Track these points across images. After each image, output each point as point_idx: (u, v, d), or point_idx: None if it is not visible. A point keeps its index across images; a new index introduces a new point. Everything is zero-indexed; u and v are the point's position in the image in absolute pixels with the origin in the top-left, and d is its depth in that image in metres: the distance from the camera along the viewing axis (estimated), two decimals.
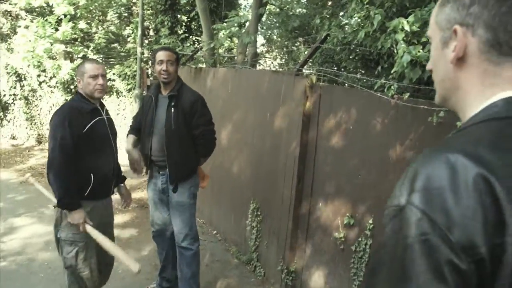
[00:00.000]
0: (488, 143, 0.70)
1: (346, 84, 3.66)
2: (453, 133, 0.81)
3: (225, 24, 5.23)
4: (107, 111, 3.18)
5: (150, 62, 8.40)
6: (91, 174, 2.94)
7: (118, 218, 5.44)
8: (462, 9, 0.81)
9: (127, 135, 3.63)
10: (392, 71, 2.84)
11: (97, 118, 2.98)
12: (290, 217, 3.86)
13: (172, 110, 3.34)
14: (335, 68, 4.33)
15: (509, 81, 0.79)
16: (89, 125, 2.91)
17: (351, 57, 3.94)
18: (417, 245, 0.65)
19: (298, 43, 5.70)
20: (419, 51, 2.66)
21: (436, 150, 0.72)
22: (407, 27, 2.78)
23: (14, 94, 10.33)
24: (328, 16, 4.14)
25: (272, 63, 8.39)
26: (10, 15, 10.34)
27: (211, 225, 5.51)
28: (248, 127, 4.62)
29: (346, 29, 3.75)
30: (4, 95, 10.35)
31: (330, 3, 4.89)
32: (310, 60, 4.28)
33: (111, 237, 3.19)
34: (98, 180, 2.97)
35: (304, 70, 4.07)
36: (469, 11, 0.80)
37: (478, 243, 0.63)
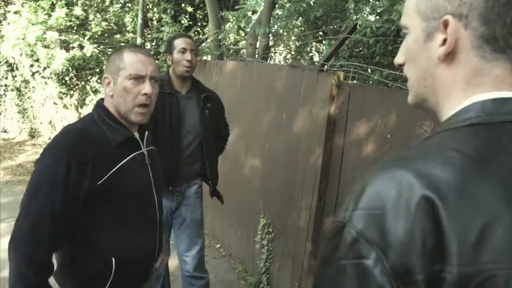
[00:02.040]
0: (445, 157, 0.65)
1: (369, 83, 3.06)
2: (417, 142, 0.75)
3: (235, 12, 4.63)
4: (149, 138, 1.87)
5: (162, 53, 7.74)
6: (112, 259, 1.66)
7: None
8: None
9: None
10: None
11: (131, 156, 1.69)
12: (308, 237, 3.29)
13: (207, 113, 2.94)
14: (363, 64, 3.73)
15: (496, 81, 0.72)
16: (114, 169, 1.61)
17: (387, 50, 3.34)
18: (349, 268, 0.64)
19: (320, 36, 5.10)
20: None
21: (387, 164, 0.68)
22: None
23: (5, 85, 9.74)
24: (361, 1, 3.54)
25: (285, 56, 7.78)
26: (2, 0, 9.71)
27: (214, 237, 4.92)
28: (259, 131, 4.02)
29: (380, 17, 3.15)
30: None
31: None
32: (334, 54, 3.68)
33: None
34: (125, 267, 1.68)
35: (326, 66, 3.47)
36: (462, 0, 0.71)
37: (414, 269, 0.61)
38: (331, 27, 4.43)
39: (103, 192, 1.58)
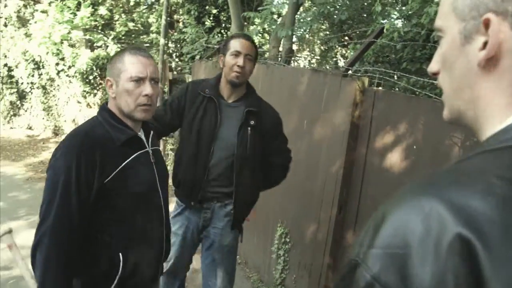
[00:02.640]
0: (486, 186, 0.52)
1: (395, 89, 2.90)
2: (451, 165, 0.61)
3: (257, 13, 4.52)
4: (154, 137, 1.91)
5: (185, 54, 7.66)
6: (120, 255, 1.70)
7: None
8: None
9: None
10: None
11: (136, 155, 1.73)
12: (326, 250, 3.14)
13: (249, 131, 2.48)
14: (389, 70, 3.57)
15: None
16: (120, 168, 1.66)
17: (415, 56, 3.17)
18: None
19: (345, 40, 4.95)
20: None
21: (413, 190, 0.56)
22: None
23: (31, 83, 9.89)
24: (389, 3, 3.38)
25: (309, 61, 7.63)
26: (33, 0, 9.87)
27: None
28: None
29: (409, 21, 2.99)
30: (22, 83, 9.92)
31: None
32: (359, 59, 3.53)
33: None
34: (132, 264, 1.73)
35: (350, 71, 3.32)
36: None
37: None
38: (357, 32, 4.27)
39: (109, 190, 1.64)
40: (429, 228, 0.51)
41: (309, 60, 7.53)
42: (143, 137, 1.81)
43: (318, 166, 3.29)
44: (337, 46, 5.52)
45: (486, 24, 0.61)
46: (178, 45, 8.19)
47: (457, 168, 0.60)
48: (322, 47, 8.15)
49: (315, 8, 4.54)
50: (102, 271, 1.69)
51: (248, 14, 4.59)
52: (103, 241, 1.69)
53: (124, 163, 1.67)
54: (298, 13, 5.15)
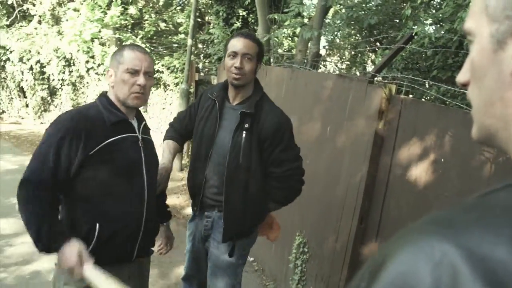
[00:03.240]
0: None
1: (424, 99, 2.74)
2: (473, 198, 0.48)
3: (283, 15, 4.43)
4: (146, 127, 2.11)
5: (201, 56, 7.70)
6: (97, 225, 1.87)
7: None
8: None
9: (164, 139, 2.58)
10: None
11: (124, 136, 1.93)
12: (345, 263, 3.02)
13: (244, 135, 2.26)
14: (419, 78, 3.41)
15: None
16: (105, 143, 1.85)
17: (447, 64, 3.01)
18: None
19: (374, 45, 4.79)
20: None
21: (424, 228, 0.44)
22: None
23: (62, 79, 10.07)
24: (420, 7, 3.22)
25: (336, 66, 7.47)
26: None
27: None
28: (302, 143, 3.74)
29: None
30: (53, 79, 10.11)
31: None
32: (388, 65, 3.39)
33: None
34: (107, 235, 1.89)
35: (378, 77, 3.19)
36: None
37: None
38: (388, 37, 4.12)
39: (94, 162, 1.84)
40: (439, 283, 0.40)
41: (337, 65, 7.39)
42: (134, 123, 2.02)
43: (340, 175, 3.17)
44: (366, 51, 5.36)
45: None
46: (204, 46, 8.18)
47: (480, 204, 0.47)
48: (352, 52, 7.99)
49: (343, 11, 4.40)
50: (81, 236, 1.84)
51: (273, 16, 4.50)
52: (85, 209, 1.88)
53: (110, 140, 1.87)
54: (327, 17, 5.04)
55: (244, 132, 2.27)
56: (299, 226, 3.65)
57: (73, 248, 1.76)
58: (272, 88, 4.49)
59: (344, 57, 8.90)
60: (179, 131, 2.59)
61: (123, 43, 9.00)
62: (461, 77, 0.61)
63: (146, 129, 2.11)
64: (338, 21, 4.84)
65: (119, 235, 1.92)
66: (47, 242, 1.78)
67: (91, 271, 1.74)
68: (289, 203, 2.54)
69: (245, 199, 2.34)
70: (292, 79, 4.12)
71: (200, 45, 9.27)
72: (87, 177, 1.85)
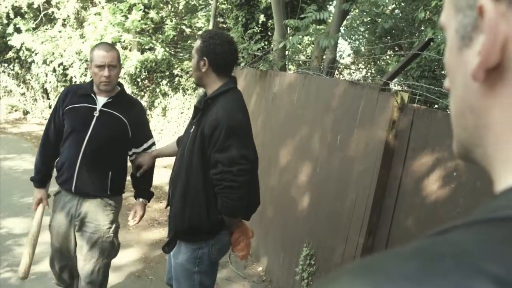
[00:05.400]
0: (467, 278, 0.29)
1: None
2: (426, 237, 0.37)
3: (299, 20, 4.33)
4: (117, 106, 2.72)
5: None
6: (58, 158, 2.82)
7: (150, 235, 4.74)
8: None
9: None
10: None
11: (84, 104, 2.68)
12: None
13: (192, 129, 2.29)
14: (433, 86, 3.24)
15: None
16: (69, 107, 2.70)
17: None
18: None
19: (389, 51, 4.64)
20: None
21: (353, 273, 0.34)
22: None
23: (84, 82, 10.18)
24: (434, 10, 3.07)
25: (354, 73, 7.32)
26: (91, 2, 10.18)
27: (256, 258, 4.61)
28: (312, 151, 3.66)
29: None
30: (75, 82, 10.23)
31: None
32: (402, 72, 3.24)
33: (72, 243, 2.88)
34: (59, 166, 2.78)
35: (392, 85, 3.05)
36: None
37: None
38: (406, 45, 3.97)
39: (64, 118, 2.74)
40: None
41: (352, 72, 7.24)
42: (102, 100, 2.70)
43: (348, 186, 3.04)
44: (384, 57, 5.21)
45: (481, 12, 0.38)
46: None
47: (427, 246, 0.35)
48: (374, 60, 7.82)
49: (356, 11, 4.25)
50: (56, 167, 2.84)
51: (289, 22, 4.41)
52: (60, 146, 2.79)
53: (73, 106, 2.71)
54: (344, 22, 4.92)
55: (193, 126, 2.29)
56: (306, 237, 3.53)
57: (40, 192, 2.88)
58: (284, 94, 4.40)
59: (369, 66, 8.74)
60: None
61: (143, 47, 9.06)
62: (446, 82, 0.50)
63: (117, 108, 2.71)
64: (357, 23, 4.70)
65: (63, 169, 2.73)
66: (33, 176, 2.91)
67: (38, 212, 2.87)
68: (228, 215, 2.30)
69: (185, 196, 2.27)
70: (304, 85, 4.01)
71: None
72: (64, 128, 2.74)
